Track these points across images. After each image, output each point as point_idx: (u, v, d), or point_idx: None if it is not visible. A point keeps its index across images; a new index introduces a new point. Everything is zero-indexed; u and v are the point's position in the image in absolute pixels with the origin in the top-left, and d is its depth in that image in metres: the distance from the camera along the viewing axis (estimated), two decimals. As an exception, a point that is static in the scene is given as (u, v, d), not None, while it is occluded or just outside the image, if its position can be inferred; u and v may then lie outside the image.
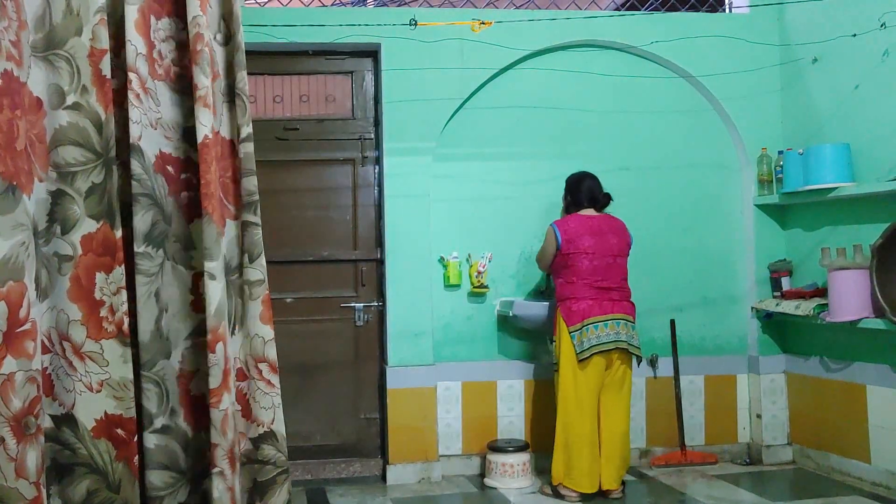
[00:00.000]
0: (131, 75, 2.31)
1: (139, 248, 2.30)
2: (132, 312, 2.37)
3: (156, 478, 2.32)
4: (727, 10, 5.10)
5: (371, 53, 4.72)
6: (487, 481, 4.40)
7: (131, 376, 2.31)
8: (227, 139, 2.51)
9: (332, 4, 5.09)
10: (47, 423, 2.31)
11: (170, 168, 2.43)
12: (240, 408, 2.44)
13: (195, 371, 2.43)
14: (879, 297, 3.87)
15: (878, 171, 4.07)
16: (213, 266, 2.33)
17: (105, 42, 2.29)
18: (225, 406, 2.33)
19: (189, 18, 2.39)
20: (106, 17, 2.30)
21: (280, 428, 2.45)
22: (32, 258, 2.17)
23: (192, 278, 2.43)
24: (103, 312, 2.29)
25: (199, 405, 2.43)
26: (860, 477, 4.23)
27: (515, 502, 4.14)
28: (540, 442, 4.53)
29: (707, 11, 4.99)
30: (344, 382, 4.70)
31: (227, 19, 2.50)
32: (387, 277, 4.57)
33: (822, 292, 4.38)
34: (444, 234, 4.66)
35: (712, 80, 4.78)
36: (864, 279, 3.97)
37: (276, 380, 2.45)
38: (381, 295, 4.70)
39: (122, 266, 2.32)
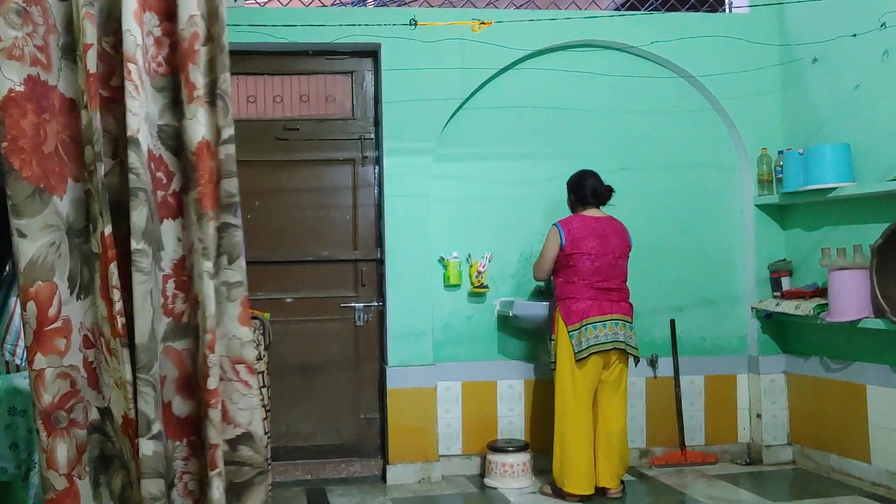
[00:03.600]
0: (131, 66, 2.29)
1: (137, 244, 2.26)
2: (128, 312, 2.35)
3: (153, 486, 2.29)
4: (727, 10, 5.10)
5: (371, 53, 4.72)
6: (487, 481, 4.40)
7: (130, 377, 2.31)
8: (206, 140, 2.49)
9: (332, 4, 5.09)
10: (94, 415, 2.37)
11: (151, 165, 2.43)
12: None
13: (164, 377, 2.42)
14: (879, 297, 3.87)
15: (878, 171, 4.07)
16: (210, 265, 2.34)
17: (92, 37, 2.29)
18: (220, 406, 2.35)
19: (184, 17, 2.38)
20: (93, 12, 2.29)
21: (257, 429, 2.45)
22: (65, 258, 2.23)
23: (162, 279, 2.42)
24: (113, 310, 2.33)
25: (167, 411, 2.42)
26: (860, 477, 4.23)
27: (515, 502, 4.14)
28: (540, 442, 4.53)
29: (707, 11, 4.99)
30: (344, 382, 4.70)
31: (209, 20, 2.48)
32: (387, 277, 4.57)
33: (822, 292, 4.38)
34: (444, 234, 4.66)
35: (712, 80, 4.78)
36: (864, 279, 3.97)
37: (253, 381, 2.45)
38: (381, 295, 4.70)
39: (115, 263, 2.32)
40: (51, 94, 2.25)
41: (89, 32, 2.29)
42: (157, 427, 2.31)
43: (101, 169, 2.30)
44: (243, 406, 2.44)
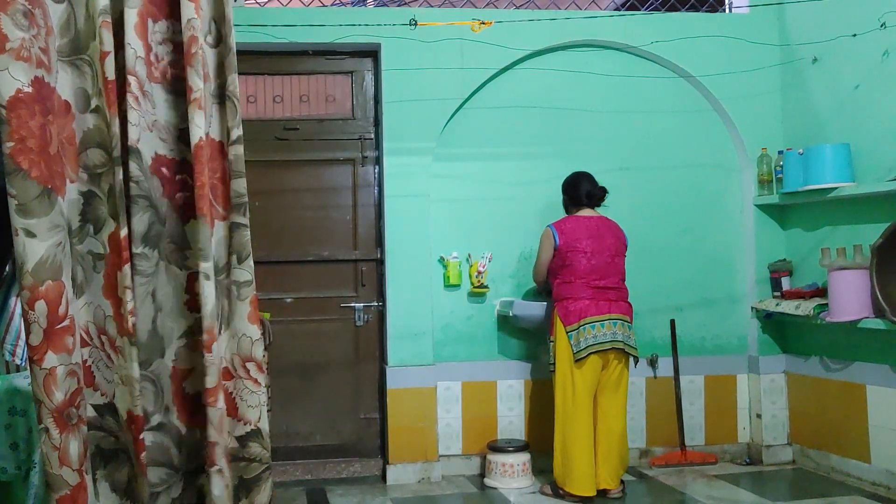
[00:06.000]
0: (130, 78, 2.38)
1: (137, 248, 2.37)
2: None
3: (152, 474, 2.40)
4: (727, 10, 5.10)
5: (371, 53, 4.72)
6: (487, 481, 4.40)
7: (137, 374, 2.39)
8: (217, 141, 2.57)
9: (332, 4, 5.09)
10: (90, 412, 2.41)
11: (164, 170, 2.51)
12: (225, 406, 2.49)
13: (190, 369, 2.49)
14: (879, 297, 3.87)
15: (878, 171, 4.07)
16: (208, 266, 2.40)
17: (109, 44, 2.36)
18: (221, 405, 2.40)
19: (184, 21, 2.44)
20: (109, 20, 2.36)
21: (265, 426, 2.53)
22: (68, 257, 2.28)
23: (188, 278, 2.50)
24: (122, 310, 2.39)
25: (191, 403, 2.50)
26: (860, 477, 4.23)
27: (515, 502, 4.14)
28: (540, 442, 4.52)
29: (707, 11, 4.99)
30: (344, 382, 4.70)
31: (219, 22, 2.54)
32: (387, 277, 4.57)
33: (822, 292, 4.38)
34: (444, 234, 4.66)
35: (712, 80, 4.78)
36: (864, 279, 3.97)
37: (262, 378, 2.51)
38: (381, 295, 4.70)
39: (128, 265, 2.40)
40: (52, 95, 2.28)
41: (107, 40, 2.33)
42: (156, 419, 2.39)
43: (120, 173, 2.35)
44: (252, 403, 2.48)
